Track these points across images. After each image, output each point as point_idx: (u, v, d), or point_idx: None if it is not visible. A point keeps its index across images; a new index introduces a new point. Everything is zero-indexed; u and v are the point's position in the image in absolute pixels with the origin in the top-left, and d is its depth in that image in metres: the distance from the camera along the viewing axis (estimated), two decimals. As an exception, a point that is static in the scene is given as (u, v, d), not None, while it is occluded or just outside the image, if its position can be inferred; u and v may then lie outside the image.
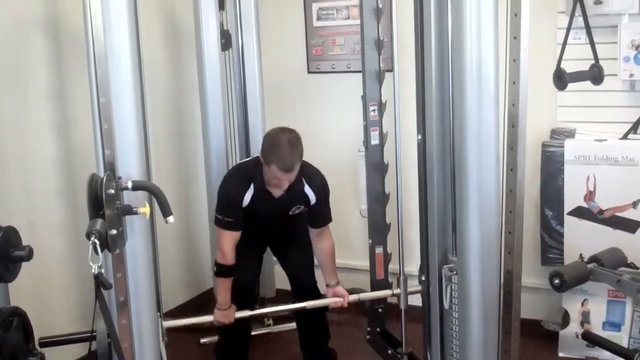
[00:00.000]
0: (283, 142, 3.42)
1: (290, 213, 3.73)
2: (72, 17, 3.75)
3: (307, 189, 3.65)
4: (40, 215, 3.85)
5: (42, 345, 2.81)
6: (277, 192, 3.59)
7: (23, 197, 3.74)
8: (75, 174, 3.94)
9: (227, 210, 3.63)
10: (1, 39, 3.59)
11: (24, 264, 2.45)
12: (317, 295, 3.99)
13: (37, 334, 2.65)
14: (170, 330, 3.53)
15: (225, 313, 3.70)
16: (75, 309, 3.99)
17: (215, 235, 3.82)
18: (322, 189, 3.72)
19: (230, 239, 3.64)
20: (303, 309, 3.87)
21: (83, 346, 2.94)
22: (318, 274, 3.98)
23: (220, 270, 3.69)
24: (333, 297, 3.84)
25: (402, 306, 3.79)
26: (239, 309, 3.76)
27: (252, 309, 3.92)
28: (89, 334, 2.74)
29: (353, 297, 3.86)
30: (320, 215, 3.78)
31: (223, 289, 3.71)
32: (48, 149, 3.90)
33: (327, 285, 3.88)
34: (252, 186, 3.60)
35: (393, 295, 3.88)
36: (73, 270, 4.00)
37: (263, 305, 4.54)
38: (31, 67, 3.78)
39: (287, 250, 4.06)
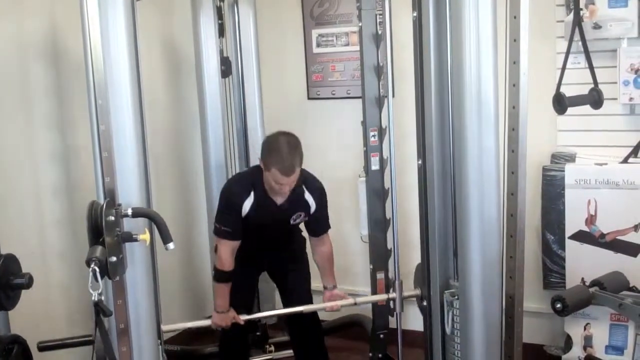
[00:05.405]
0: (282, 144, 3.40)
1: (291, 222, 3.70)
2: (72, 46, 3.77)
3: (307, 195, 3.63)
4: (41, 243, 3.84)
5: (41, 349, 2.77)
6: (279, 200, 3.56)
7: (23, 224, 3.73)
8: (76, 202, 3.93)
9: (225, 220, 3.59)
10: (2, 69, 3.60)
11: (24, 292, 2.45)
12: (316, 320, 3.95)
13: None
14: (171, 355, 3.51)
15: (224, 316, 3.64)
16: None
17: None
18: (322, 195, 3.70)
19: (228, 247, 3.61)
20: (299, 324, 3.85)
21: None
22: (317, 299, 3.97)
23: (219, 276, 3.64)
24: (329, 300, 3.80)
25: (398, 310, 3.72)
26: (240, 331, 3.74)
27: (253, 331, 3.86)
28: (88, 339, 2.69)
29: (348, 301, 3.79)
30: (321, 222, 3.76)
31: (221, 294, 3.65)
32: (48, 177, 3.89)
33: (325, 288, 3.83)
34: (252, 194, 3.55)
35: (389, 299, 3.79)
36: (73, 297, 3.98)
37: (265, 332, 4.53)
38: (31, 96, 3.78)
39: (285, 274, 3.97)
